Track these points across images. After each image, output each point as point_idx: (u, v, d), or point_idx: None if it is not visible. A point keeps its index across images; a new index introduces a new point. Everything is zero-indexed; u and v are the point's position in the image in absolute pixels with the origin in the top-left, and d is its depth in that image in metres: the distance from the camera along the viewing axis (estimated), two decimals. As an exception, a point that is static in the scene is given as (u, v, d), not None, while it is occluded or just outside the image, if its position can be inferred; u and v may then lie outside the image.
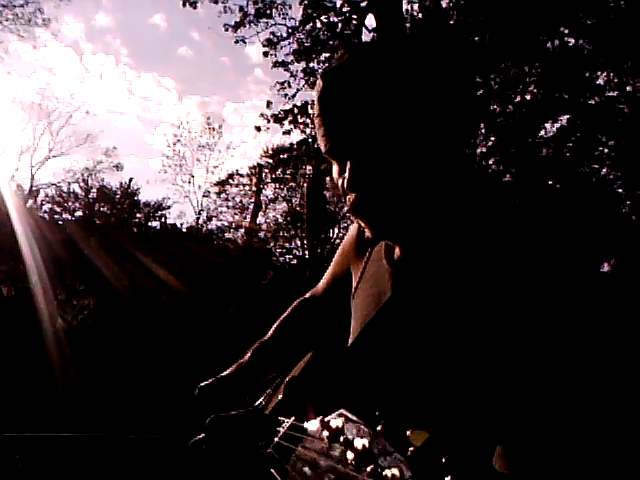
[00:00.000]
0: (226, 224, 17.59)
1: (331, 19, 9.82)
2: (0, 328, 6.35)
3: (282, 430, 0.64)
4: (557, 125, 8.95)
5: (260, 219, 16.70)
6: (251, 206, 16.85)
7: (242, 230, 17.00)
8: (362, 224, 0.73)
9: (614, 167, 8.66)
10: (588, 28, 8.13)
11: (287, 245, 16.53)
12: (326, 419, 0.48)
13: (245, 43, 10.26)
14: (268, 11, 9.85)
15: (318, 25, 9.86)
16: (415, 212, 0.70)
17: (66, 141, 18.45)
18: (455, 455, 0.35)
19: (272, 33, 9.98)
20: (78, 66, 28.92)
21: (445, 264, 0.71)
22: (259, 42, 10.30)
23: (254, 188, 16.79)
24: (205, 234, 16.95)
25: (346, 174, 0.69)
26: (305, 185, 14.89)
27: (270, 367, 1.00)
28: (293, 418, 0.62)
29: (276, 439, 0.64)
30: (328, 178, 14.72)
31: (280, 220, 16.77)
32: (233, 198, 17.42)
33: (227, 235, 17.48)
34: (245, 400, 0.91)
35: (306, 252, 14.99)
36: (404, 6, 8.94)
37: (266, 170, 15.96)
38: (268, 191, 16.96)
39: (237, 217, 17.60)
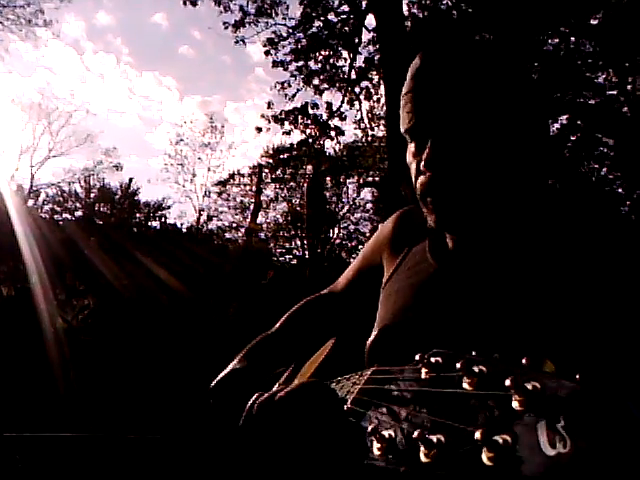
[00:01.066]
0: (226, 224, 17.61)
1: (331, 19, 9.83)
2: (0, 328, 6.35)
3: (365, 376, 0.59)
4: (557, 125, 8.95)
5: (260, 219, 16.72)
6: (251, 206, 16.86)
7: (242, 230, 17.01)
8: (427, 210, 0.72)
9: (614, 167, 8.66)
10: (588, 27, 8.13)
11: (287, 245, 16.55)
12: (424, 356, 0.45)
13: (245, 43, 10.27)
14: (269, 10, 9.85)
15: (317, 24, 9.86)
16: (484, 204, 0.69)
17: (66, 141, 18.46)
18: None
19: (273, 32, 9.99)
20: (79, 65, 28.97)
21: (499, 265, 0.69)
22: (259, 42, 10.32)
23: (254, 188, 16.79)
24: (205, 234, 16.96)
25: (426, 151, 0.69)
26: (305, 185, 14.89)
27: (277, 361, 0.97)
28: (376, 365, 0.58)
29: (359, 385, 0.59)
30: (329, 178, 14.73)
31: (280, 220, 16.79)
32: (234, 198, 17.44)
33: (227, 235, 17.51)
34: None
35: (306, 252, 15.00)
36: (404, 6, 8.95)
37: (266, 170, 15.97)
38: (268, 191, 16.99)
39: (237, 217, 17.62)
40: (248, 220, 16.65)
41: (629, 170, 8.28)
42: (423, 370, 0.44)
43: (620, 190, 8.56)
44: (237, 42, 10.15)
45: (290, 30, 9.97)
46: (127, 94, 32.39)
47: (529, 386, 0.34)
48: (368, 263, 0.99)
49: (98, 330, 7.50)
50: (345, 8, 9.68)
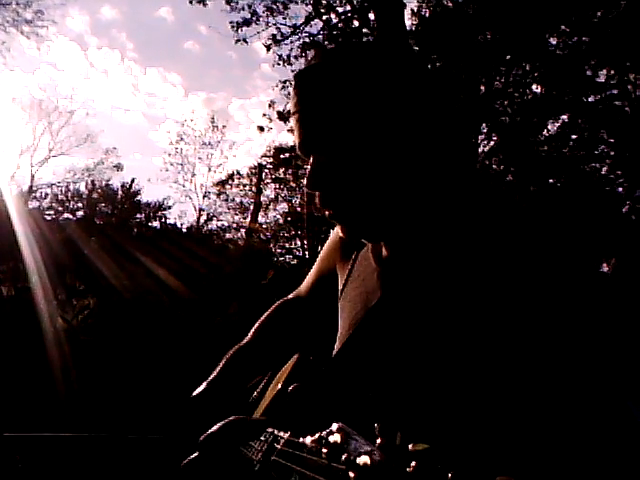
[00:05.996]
0: (226, 224, 17.62)
1: (336, 17, 9.84)
2: (0, 328, 6.35)
3: (278, 447, 0.61)
4: (557, 124, 8.95)
5: (260, 219, 16.72)
6: (251, 206, 16.86)
7: (243, 230, 17.02)
8: (335, 223, 0.73)
9: (614, 166, 8.66)
10: (588, 25, 8.13)
11: (287, 245, 16.54)
12: (324, 434, 0.47)
13: (247, 43, 10.27)
14: (280, 8, 9.82)
15: (325, 20, 9.86)
16: (386, 210, 0.69)
17: (66, 141, 18.45)
18: (460, 470, 0.34)
19: (277, 28, 9.98)
20: (83, 61, 28.73)
21: (434, 262, 0.70)
22: (261, 42, 10.33)
23: (254, 188, 16.79)
24: (205, 234, 16.96)
25: (307, 170, 0.69)
26: (305, 185, 14.85)
27: (255, 371, 0.98)
28: (289, 433, 0.60)
29: (273, 457, 0.61)
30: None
31: (280, 220, 16.78)
32: (233, 199, 17.44)
33: (227, 235, 17.51)
34: (234, 404, 0.89)
35: (306, 252, 14.99)
36: (409, 5, 8.96)
37: (266, 170, 15.98)
38: (268, 191, 16.98)
39: (238, 217, 17.61)
40: (248, 220, 16.66)
41: (629, 170, 8.28)
42: (323, 450, 0.46)
43: (620, 190, 8.56)
44: (238, 41, 10.15)
45: (292, 29, 9.97)
46: (131, 90, 32.29)
47: (360, 462, 0.37)
48: (324, 269, 1.00)
49: (98, 330, 7.50)
50: (347, 7, 9.70)
